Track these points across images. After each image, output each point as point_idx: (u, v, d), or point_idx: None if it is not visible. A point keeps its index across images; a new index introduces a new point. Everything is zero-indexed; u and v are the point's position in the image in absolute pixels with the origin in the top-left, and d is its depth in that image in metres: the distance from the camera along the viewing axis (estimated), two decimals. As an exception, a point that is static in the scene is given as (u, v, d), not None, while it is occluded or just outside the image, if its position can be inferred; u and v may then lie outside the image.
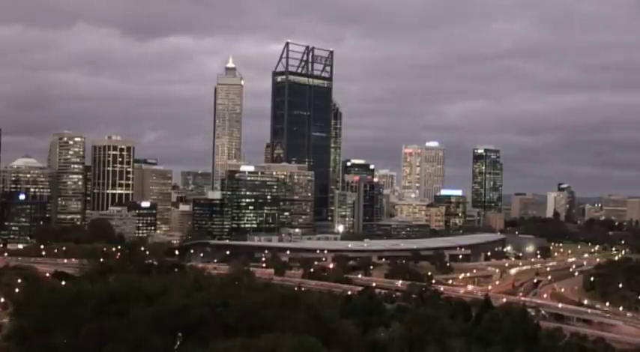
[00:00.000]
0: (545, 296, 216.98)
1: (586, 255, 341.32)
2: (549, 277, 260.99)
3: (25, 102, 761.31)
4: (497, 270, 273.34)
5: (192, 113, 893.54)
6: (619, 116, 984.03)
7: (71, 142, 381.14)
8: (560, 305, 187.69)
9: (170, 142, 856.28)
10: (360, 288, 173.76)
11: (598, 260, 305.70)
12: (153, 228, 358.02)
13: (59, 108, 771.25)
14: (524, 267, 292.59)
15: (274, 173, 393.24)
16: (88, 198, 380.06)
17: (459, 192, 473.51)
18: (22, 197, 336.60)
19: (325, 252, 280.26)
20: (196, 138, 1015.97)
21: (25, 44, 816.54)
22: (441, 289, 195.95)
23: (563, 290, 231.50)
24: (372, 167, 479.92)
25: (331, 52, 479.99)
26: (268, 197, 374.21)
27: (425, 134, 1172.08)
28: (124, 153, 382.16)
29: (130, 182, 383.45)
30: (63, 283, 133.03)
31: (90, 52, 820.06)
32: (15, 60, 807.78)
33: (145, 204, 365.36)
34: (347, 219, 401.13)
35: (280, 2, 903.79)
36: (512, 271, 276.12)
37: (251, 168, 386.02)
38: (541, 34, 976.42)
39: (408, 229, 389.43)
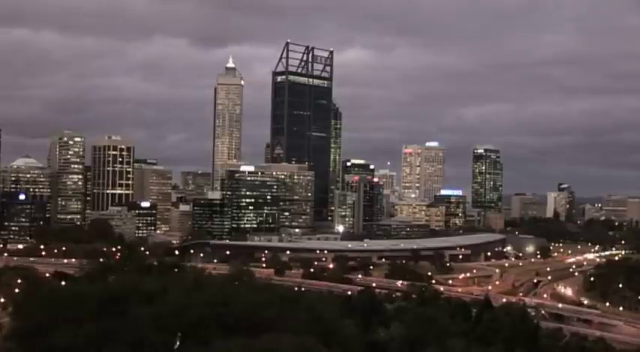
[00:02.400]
0: (545, 296, 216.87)
1: (590, 256, 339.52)
2: (549, 277, 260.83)
3: (65, 106, 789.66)
4: (497, 270, 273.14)
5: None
6: (632, 118, 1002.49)
7: (71, 142, 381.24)
8: (560, 305, 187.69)
9: (194, 143, 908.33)
10: (360, 288, 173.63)
11: (598, 260, 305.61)
12: (153, 228, 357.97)
13: (96, 111, 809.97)
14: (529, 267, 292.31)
15: (274, 173, 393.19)
16: (88, 198, 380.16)
17: (459, 192, 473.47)
18: (22, 197, 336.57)
19: (325, 252, 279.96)
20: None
21: (86, 53, 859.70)
22: (441, 289, 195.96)
23: (563, 290, 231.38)
24: (372, 167, 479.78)
25: (331, 52, 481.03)
26: (268, 197, 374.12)
27: (439, 135, 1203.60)
28: (124, 153, 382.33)
29: (130, 182, 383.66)
30: (63, 283, 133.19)
31: (151, 61, 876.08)
32: (71, 67, 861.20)
33: (145, 204, 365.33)
34: (347, 219, 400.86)
35: (342, 16, 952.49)
36: (512, 271, 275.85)
37: (251, 168, 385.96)
38: (578, 44, 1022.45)
39: (408, 229, 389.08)
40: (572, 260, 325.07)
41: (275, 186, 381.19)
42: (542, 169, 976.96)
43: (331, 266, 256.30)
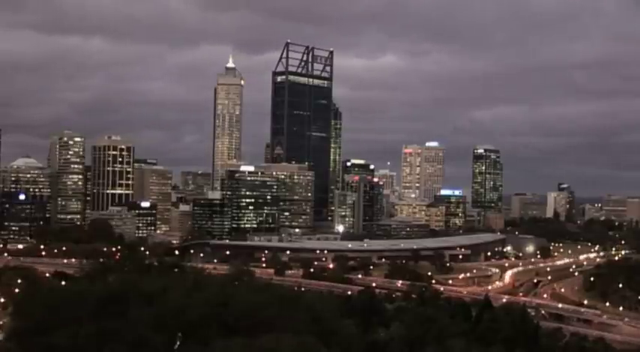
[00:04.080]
0: (545, 296, 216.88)
1: (590, 256, 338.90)
2: (549, 277, 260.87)
3: (91, 108, 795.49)
4: (497, 270, 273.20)
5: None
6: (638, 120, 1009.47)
7: (71, 142, 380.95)
8: (560, 305, 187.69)
9: (200, 144, 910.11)
10: (360, 288, 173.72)
11: (598, 260, 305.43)
12: (153, 228, 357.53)
13: (121, 114, 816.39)
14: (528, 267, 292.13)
15: (274, 173, 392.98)
16: (88, 198, 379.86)
17: (459, 192, 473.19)
18: (22, 197, 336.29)
19: (325, 252, 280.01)
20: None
21: (129, 58, 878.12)
22: (441, 289, 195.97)
23: (563, 290, 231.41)
24: (372, 167, 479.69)
25: (331, 52, 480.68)
26: (268, 197, 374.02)
27: (449, 137, 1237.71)
28: (124, 153, 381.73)
29: (130, 182, 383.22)
30: (63, 283, 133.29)
31: (190, 66, 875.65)
32: (103, 71, 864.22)
33: (145, 204, 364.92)
34: (347, 219, 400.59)
35: (382, 23, 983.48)
36: (512, 271, 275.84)
37: (251, 168, 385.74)
38: (603, 48, 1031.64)
39: (408, 229, 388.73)
40: (568, 261, 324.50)
41: (275, 186, 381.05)
42: (542, 169, 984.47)
43: (331, 266, 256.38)
